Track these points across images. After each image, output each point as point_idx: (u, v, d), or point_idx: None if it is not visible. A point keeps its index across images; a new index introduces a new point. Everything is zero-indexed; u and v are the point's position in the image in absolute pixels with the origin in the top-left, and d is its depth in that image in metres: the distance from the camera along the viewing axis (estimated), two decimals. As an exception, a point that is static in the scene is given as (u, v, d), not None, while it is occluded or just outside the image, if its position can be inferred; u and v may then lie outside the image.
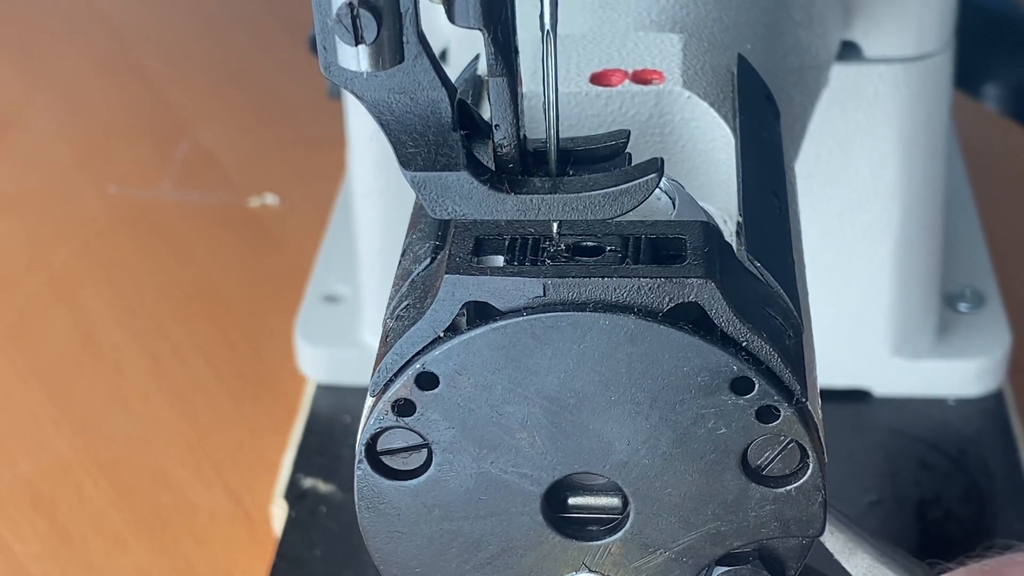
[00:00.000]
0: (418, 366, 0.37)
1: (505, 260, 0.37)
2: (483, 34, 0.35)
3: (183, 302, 0.76)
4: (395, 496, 0.39)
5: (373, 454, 0.39)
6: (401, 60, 0.35)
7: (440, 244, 0.40)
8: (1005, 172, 0.83)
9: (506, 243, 0.38)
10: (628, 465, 0.38)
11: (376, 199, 0.65)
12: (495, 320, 0.37)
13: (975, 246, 0.73)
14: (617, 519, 0.39)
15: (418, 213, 0.42)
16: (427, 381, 0.37)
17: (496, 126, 0.36)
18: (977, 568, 0.49)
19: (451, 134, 0.36)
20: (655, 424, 0.37)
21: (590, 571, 0.40)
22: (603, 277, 0.36)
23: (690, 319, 0.37)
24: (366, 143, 0.64)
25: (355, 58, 0.34)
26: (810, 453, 0.38)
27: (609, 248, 0.37)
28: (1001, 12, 1.01)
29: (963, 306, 0.69)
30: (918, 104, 0.62)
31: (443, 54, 0.55)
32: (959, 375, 0.67)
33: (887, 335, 0.66)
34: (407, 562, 0.40)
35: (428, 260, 0.39)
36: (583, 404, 0.37)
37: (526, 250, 0.37)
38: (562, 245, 0.37)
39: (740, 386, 0.37)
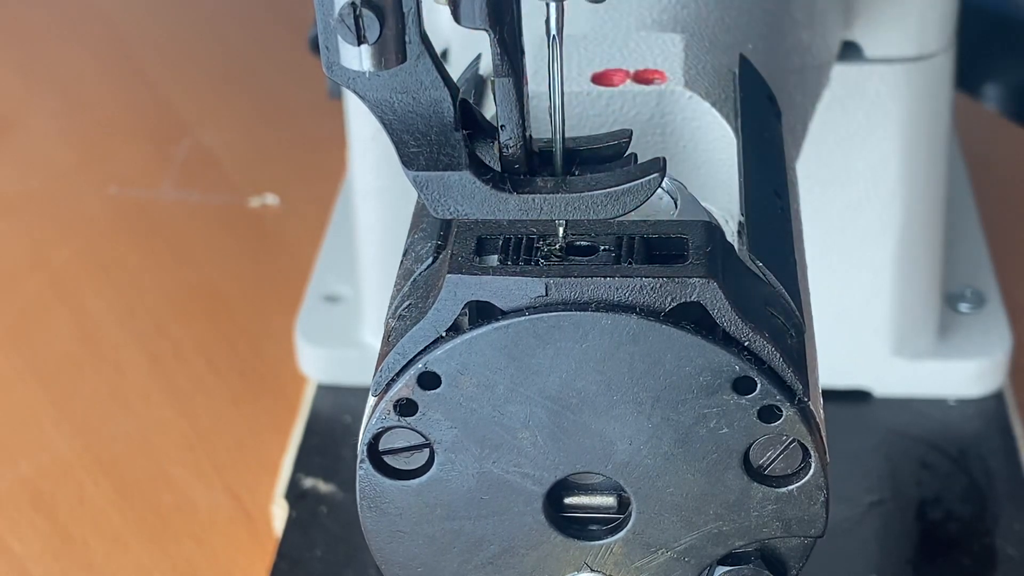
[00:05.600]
0: (420, 366, 0.37)
1: (499, 260, 0.37)
2: (489, 35, 0.35)
3: (183, 302, 0.76)
4: (397, 496, 0.39)
5: (375, 454, 0.39)
6: (403, 60, 0.35)
7: (442, 244, 0.40)
8: (1005, 172, 0.83)
9: (500, 243, 0.38)
10: (630, 465, 0.38)
11: (376, 199, 0.65)
12: (497, 320, 0.37)
13: (975, 246, 0.73)
14: (619, 519, 0.39)
15: (420, 213, 0.42)
16: (429, 381, 0.37)
17: (502, 126, 0.36)
18: None
19: (453, 134, 0.36)
20: (657, 424, 0.37)
21: (592, 571, 0.40)
22: (605, 277, 0.36)
23: (692, 319, 0.37)
24: (367, 143, 0.64)
25: (357, 58, 0.34)
26: (812, 453, 0.38)
27: (603, 248, 0.37)
28: (1001, 12, 1.01)
29: (964, 306, 0.69)
30: (919, 104, 0.62)
31: (444, 54, 0.55)
32: (960, 376, 0.67)
33: (888, 335, 0.66)
34: (409, 562, 0.40)
35: (430, 260, 0.39)
36: (585, 404, 0.37)
37: (520, 250, 0.37)
38: (556, 245, 0.38)
39: (742, 386, 0.37)
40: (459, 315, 0.37)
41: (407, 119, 0.36)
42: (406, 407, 0.38)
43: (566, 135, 0.37)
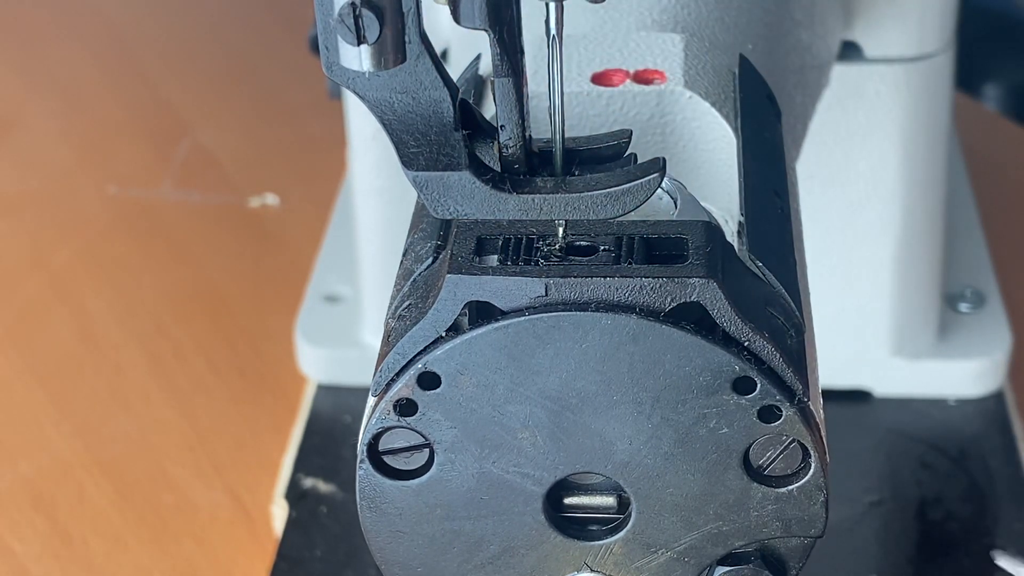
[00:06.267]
0: (420, 366, 0.37)
1: (499, 260, 0.37)
2: (489, 35, 0.35)
3: (183, 302, 0.76)
4: (397, 496, 0.39)
5: (375, 454, 0.39)
6: (403, 60, 0.35)
7: (442, 244, 0.40)
8: (1005, 172, 0.83)
9: (500, 243, 0.38)
10: (630, 465, 0.38)
11: (376, 199, 0.65)
12: (497, 320, 0.37)
13: (975, 246, 0.73)
14: (619, 519, 0.39)
15: (420, 213, 0.42)
16: (429, 381, 0.37)
17: (502, 127, 0.36)
18: None
19: (453, 134, 0.36)
20: (657, 424, 0.37)
21: (592, 571, 0.40)
22: (605, 277, 0.36)
23: (692, 319, 0.37)
24: (367, 143, 0.64)
25: (357, 58, 0.34)
26: (812, 453, 0.38)
27: (603, 248, 0.37)
28: (1001, 12, 1.01)
29: (963, 306, 0.69)
30: (919, 104, 0.62)
31: (444, 54, 0.55)
32: (959, 375, 0.67)
33: (888, 335, 0.66)
34: (409, 562, 0.40)
35: (430, 260, 0.39)
36: (585, 404, 0.37)
37: (519, 250, 0.37)
38: (555, 245, 0.38)
39: (742, 386, 0.37)
40: (459, 315, 0.37)
41: (407, 119, 0.36)
42: (406, 407, 0.38)
43: (566, 135, 0.37)
